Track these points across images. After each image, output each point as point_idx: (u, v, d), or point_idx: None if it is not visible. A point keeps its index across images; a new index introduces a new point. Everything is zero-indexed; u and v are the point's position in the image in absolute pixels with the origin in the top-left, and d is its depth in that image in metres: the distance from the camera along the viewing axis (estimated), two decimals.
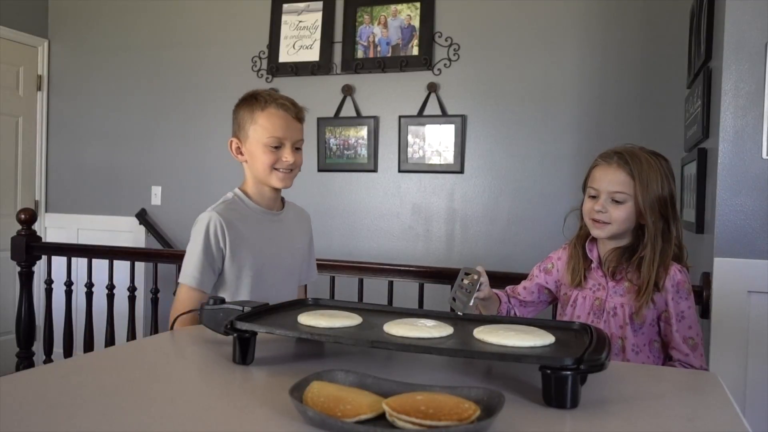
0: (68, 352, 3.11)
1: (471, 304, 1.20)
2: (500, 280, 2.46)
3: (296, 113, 1.59)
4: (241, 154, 1.62)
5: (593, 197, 1.50)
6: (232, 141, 1.64)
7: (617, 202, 1.46)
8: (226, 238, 1.54)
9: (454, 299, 1.29)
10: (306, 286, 1.87)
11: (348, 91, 3.60)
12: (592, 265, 1.55)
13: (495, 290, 1.60)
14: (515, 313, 1.66)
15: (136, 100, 4.14)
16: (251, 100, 1.60)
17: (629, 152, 1.49)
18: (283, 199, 1.73)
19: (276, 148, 1.57)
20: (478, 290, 1.31)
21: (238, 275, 1.58)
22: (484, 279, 1.38)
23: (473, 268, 1.38)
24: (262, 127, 1.57)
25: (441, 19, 3.47)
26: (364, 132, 3.58)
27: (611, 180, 1.47)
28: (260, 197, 1.64)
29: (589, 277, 1.55)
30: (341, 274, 2.69)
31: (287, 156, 1.57)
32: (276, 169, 1.58)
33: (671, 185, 1.50)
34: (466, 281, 1.30)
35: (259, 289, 1.59)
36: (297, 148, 1.60)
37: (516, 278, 2.56)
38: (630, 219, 1.47)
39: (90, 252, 3.11)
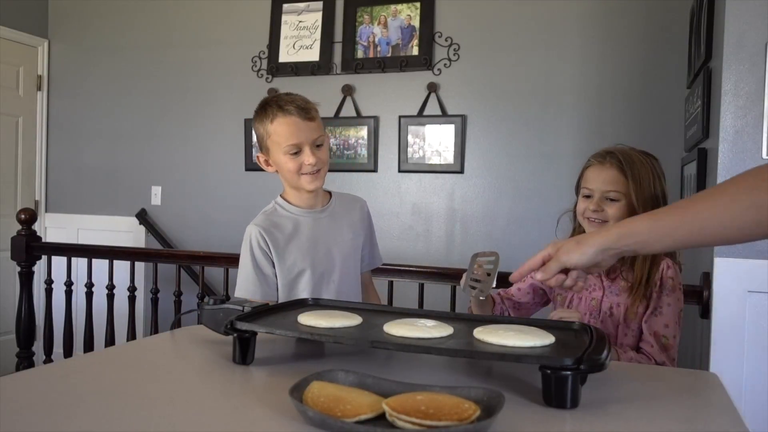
0: (68, 352, 3.12)
1: (494, 285, 1.17)
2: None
3: (305, 115, 1.58)
4: (270, 165, 1.65)
5: (587, 197, 1.51)
6: (258, 156, 1.67)
7: (612, 200, 1.47)
8: (269, 245, 1.59)
9: (472, 287, 1.25)
10: (370, 273, 1.85)
11: (348, 91, 3.60)
12: None
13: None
14: (509, 315, 1.65)
15: (136, 100, 4.14)
16: (261, 114, 1.62)
17: (621, 151, 1.49)
18: (331, 194, 1.74)
19: (296, 154, 1.58)
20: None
21: (293, 278, 1.62)
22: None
23: (487, 251, 1.35)
24: (276, 138, 1.58)
25: (441, 19, 3.47)
26: (364, 132, 3.58)
27: (605, 179, 1.47)
28: (299, 200, 1.67)
29: None
30: None
31: (308, 158, 1.57)
32: (303, 173, 1.59)
33: (662, 184, 1.51)
34: (484, 265, 1.27)
35: (319, 287, 1.62)
36: (318, 146, 1.60)
37: None
38: (625, 217, 1.47)
39: (90, 252, 3.11)
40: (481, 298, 1.12)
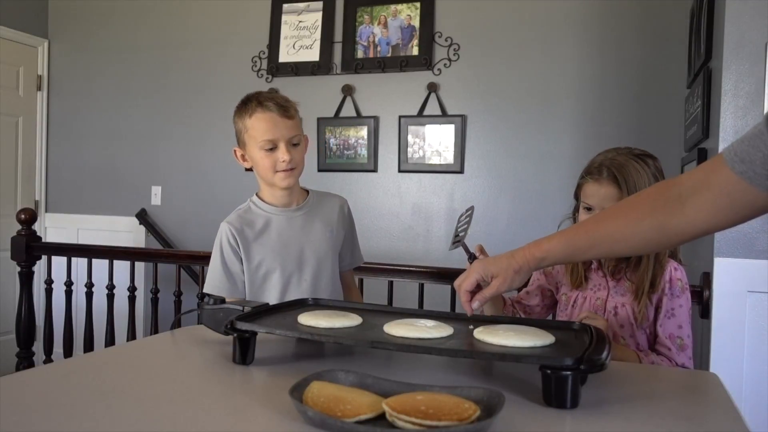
0: (68, 352, 3.11)
1: (468, 233, 1.30)
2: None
3: (283, 112, 1.59)
4: (246, 161, 1.66)
5: (588, 209, 1.52)
6: (236, 150, 1.68)
7: None
8: (239, 244, 1.61)
9: (457, 240, 1.36)
10: (352, 272, 1.86)
11: (348, 91, 3.60)
12: (592, 266, 1.56)
13: None
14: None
15: (136, 100, 4.14)
16: (241, 109, 1.64)
17: (616, 165, 1.48)
18: (308, 192, 1.74)
19: (271, 150, 1.59)
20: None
21: (261, 277, 1.63)
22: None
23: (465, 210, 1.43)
24: (253, 133, 1.60)
25: (441, 19, 3.47)
26: (364, 132, 3.58)
27: (603, 196, 1.48)
28: (273, 198, 1.67)
29: (589, 278, 1.56)
30: None
31: (283, 155, 1.58)
32: (277, 170, 1.60)
33: None
34: (462, 220, 1.38)
35: (289, 287, 1.62)
36: (294, 144, 1.61)
37: None
38: None
39: (90, 252, 3.11)
40: (455, 243, 1.30)
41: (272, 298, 1.60)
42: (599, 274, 1.54)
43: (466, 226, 1.36)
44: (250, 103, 1.62)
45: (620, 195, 1.46)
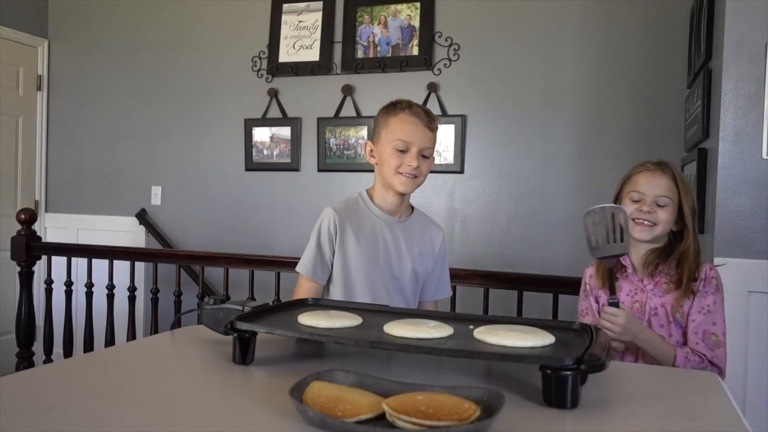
0: (68, 352, 3.12)
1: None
2: (500, 280, 2.46)
3: (428, 122, 1.63)
4: (373, 157, 1.69)
5: (636, 201, 1.56)
6: (367, 144, 1.71)
7: (661, 205, 1.54)
8: (337, 233, 1.64)
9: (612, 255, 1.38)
10: (437, 303, 1.86)
11: (348, 91, 3.60)
12: (628, 271, 1.59)
13: None
14: None
15: (136, 100, 4.14)
16: (389, 107, 1.68)
17: (667, 162, 1.60)
18: (413, 209, 1.75)
19: (402, 152, 1.61)
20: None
21: (346, 273, 1.64)
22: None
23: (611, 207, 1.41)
24: (392, 131, 1.63)
25: (441, 19, 3.47)
26: (364, 132, 3.58)
27: (658, 185, 1.55)
28: (383, 201, 1.69)
29: (624, 283, 1.59)
30: None
31: (411, 160, 1.60)
32: (400, 172, 1.62)
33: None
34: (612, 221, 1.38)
35: (370, 291, 1.63)
36: (424, 156, 1.63)
37: (516, 278, 2.55)
38: (672, 221, 1.55)
39: (90, 252, 3.11)
40: (607, 258, 1.38)
41: (350, 293, 1.63)
42: (635, 278, 1.59)
43: (624, 234, 1.37)
44: (399, 104, 1.66)
45: (673, 187, 1.54)
